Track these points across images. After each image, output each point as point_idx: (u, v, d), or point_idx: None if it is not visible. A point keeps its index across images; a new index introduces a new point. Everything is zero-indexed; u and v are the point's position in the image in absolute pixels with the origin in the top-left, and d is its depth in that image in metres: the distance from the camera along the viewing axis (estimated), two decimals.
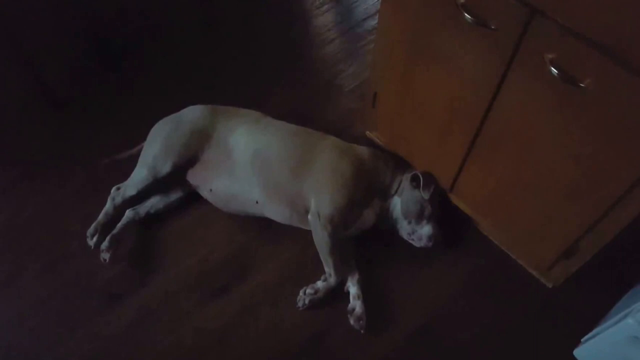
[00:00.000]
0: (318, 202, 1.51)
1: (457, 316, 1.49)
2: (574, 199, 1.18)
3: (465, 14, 1.12)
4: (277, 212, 1.57)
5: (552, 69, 1.01)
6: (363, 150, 1.62)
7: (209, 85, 2.07)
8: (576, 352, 1.38)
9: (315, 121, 1.80)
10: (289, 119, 1.69)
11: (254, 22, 2.37)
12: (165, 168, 1.58)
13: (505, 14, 1.07)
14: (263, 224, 1.63)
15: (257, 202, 1.57)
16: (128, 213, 1.62)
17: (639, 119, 0.96)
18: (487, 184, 1.42)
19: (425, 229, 1.55)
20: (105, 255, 1.51)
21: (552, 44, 1.01)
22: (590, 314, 1.44)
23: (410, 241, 1.57)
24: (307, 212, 1.53)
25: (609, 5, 0.90)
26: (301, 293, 1.49)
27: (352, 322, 1.44)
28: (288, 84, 2.10)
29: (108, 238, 1.54)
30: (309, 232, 1.52)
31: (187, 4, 2.33)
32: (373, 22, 2.40)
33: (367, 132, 1.83)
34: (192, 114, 1.67)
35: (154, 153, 1.61)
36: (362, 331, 1.43)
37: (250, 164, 1.57)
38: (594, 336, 1.33)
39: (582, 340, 1.40)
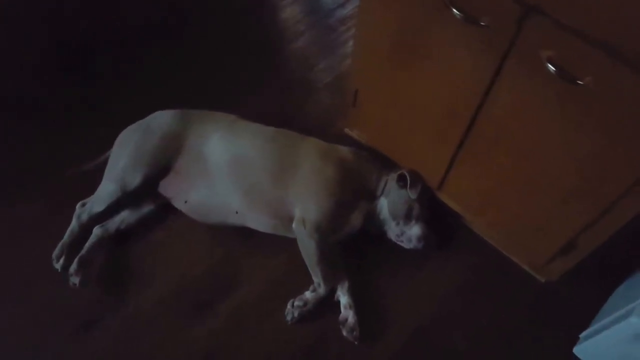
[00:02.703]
0: (303, 209, 1.43)
1: (453, 317, 1.45)
2: (574, 198, 1.15)
3: (454, 10, 1.06)
4: (259, 222, 1.48)
5: (550, 66, 0.96)
6: (346, 151, 1.55)
7: (178, 89, 1.93)
8: (576, 350, 1.37)
9: (292, 121, 1.72)
10: (265, 120, 1.60)
11: (219, 21, 2.24)
12: (135, 181, 1.46)
13: (497, 11, 1.01)
14: (245, 233, 1.53)
15: (237, 212, 1.47)
16: (96, 231, 1.49)
17: (637, 123, 0.93)
18: (480, 183, 1.38)
19: (414, 230, 1.49)
20: (75, 279, 1.38)
21: (548, 41, 0.97)
22: (587, 309, 1.43)
23: (400, 243, 1.52)
24: (291, 220, 1.45)
25: (607, 1, 0.85)
26: (289, 306, 1.41)
27: (345, 333, 1.38)
28: (261, 83, 1.99)
29: (76, 260, 1.41)
30: (295, 241, 1.44)
31: (152, 6, 2.17)
32: (344, 11, 2.32)
33: (347, 130, 1.76)
34: (161, 120, 1.55)
35: (122, 165, 1.48)
36: (356, 342, 1.37)
37: (228, 172, 1.47)
38: (593, 333, 1.31)
39: (580, 336, 1.38)
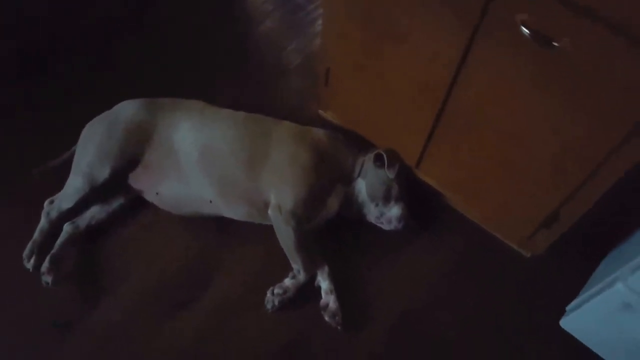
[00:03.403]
0: (278, 196, 1.38)
1: (438, 298, 1.42)
2: (553, 168, 1.12)
3: None
4: (234, 210, 1.44)
5: (524, 29, 0.92)
6: (320, 134, 1.50)
7: (146, 81, 1.84)
8: (563, 322, 1.34)
9: (264, 105, 1.66)
10: (237, 105, 1.54)
11: (184, 7, 2.14)
12: (103, 175, 1.41)
13: None
14: (221, 224, 1.49)
15: (210, 202, 1.43)
16: (66, 228, 1.44)
17: (618, 78, 0.88)
18: (458, 159, 1.34)
19: (394, 210, 1.45)
20: (47, 279, 1.33)
21: (522, 4, 0.92)
22: (573, 282, 1.40)
23: (380, 225, 1.48)
24: (266, 206, 1.40)
25: None
26: (269, 294, 1.37)
27: (327, 318, 1.34)
28: (231, 69, 1.92)
29: (47, 258, 1.36)
30: (272, 228, 1.40)
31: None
32: None
33: (321, 111, 1.71)
34: (127, 110, 1.49)
35: (88, 159, 1.43)
36: (339, 327, 1.33)
37: (199, 161, 1.42)
38: (579, 304, 1.28)
39: (567, 308, 1.35)
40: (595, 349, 1.28)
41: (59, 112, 1.74)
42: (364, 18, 1.23)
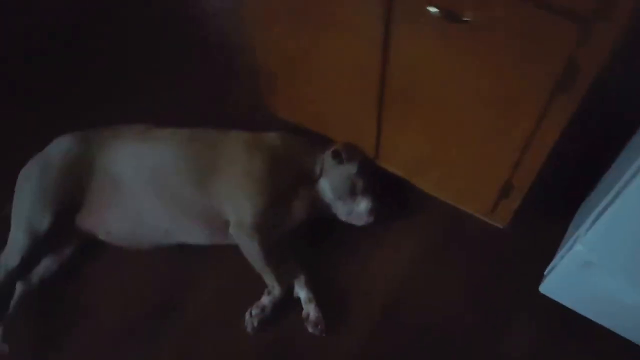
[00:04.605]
0: (237, 212, 1.31)
1: (420, 285, 1.39)
2: (491, 138, 1.14)
3: None
4: (193, 235, 1.36)
5: (431, 9, 0.93)
6: (273, 137, 1.42)
7: (80, 102, 1.72)
8: (542, 288, 1.33)
9: (216, 115, 1.57)
10: (186, 121, 1.44)
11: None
12: (44, 224, 1.30)
13: None
14: (185, 248, 1.40)
15: (166, 231, 1.34)
16: (18, 288, 1.33)
17: (530, 43, 0.90)
18: (411, 141, 1.33)
19: (362, 205, 1.40)
20: (3, 347, 1.24)
21: None
22: (550, 246, 1.38)
23: (352, 222, 1.43)
24: (227, 226, 1.32)
25: None
26: (247, 316, 1.31)
27: (310, 329, 1.30)
28: (174, 81, 1.79)
29: (0, 325, 1.26)
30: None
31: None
32: None
33: (274, 112, 1.62)
34: (60, 148, 1.37)
35: (26, 208, 1.31)
36: (323, 335, 1.29)
37: (146, 189, 1.33)
38: (553, 267, 1.28)
39: (544, 273, 1.35)
40: (577, 309, 1.29)
41: None
42: (288, 12, 1.21)
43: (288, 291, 1.35)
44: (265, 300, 1.33)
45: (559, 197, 1.46)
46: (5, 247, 1.33)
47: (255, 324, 1.30)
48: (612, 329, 1.23)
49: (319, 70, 1.30)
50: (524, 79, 0.97)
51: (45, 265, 1.37)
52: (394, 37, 1.06)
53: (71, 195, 1.33)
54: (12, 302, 1.31)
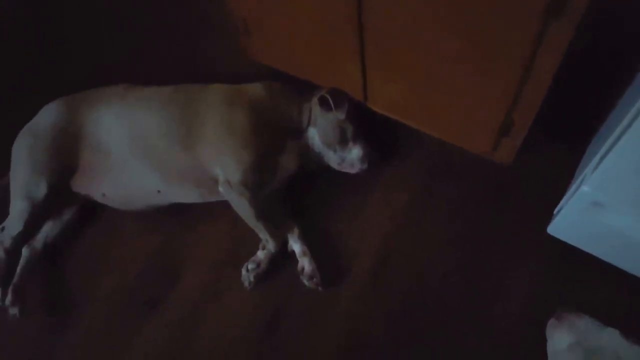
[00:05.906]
0: (224, 169, 1.28)
1: (418, 230, 1.34)
2: (485, 76, 1.04)
3: None
4: (184, 195, 1.35)
5: None
6: (257, 88, 1.36)
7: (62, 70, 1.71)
8: (550, 229, 1.24)
9: (198, 69, 1.52)
10: (168, 78, 1.40)
11: None
12: (41, 191, 1.32)
13: None
14: (178, 211, 1.40)
15: (158, 192, 1.34)
16: (24, 253, 1.38)
17: None
18: (400, 81, 1.23)
19: (354, 152, 1.34)
20: (14, 310, 1.29)
21: None
22: (557, 184, 1.28)
23: (345, 171, 1.37)
24: (215, 183, 1.30)
25: None
26: (244, 271, 1.31)
27: (305, 282, 1.28)
28: (153, 36, 1.75)
29: (10, 290, 1.31)
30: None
31: None
32: None
33: (258, 60, 1.54)
34: (47, 116, 1.38)
35: (22, 177, 1.34)
36: (319, 288, 1.27)
37: (133, 150, 1.32)
38: (561, 208, 1.19)
39: (554, 213, 1.26)
40: (585, 248, 1.20)
41: None
42: None
43: (283, 245, 1.33)
44: (260, 254, 1.31)
45: (570, 127, 1.34)
46: (9, 215, 1.37)
47: (252, 278, 1.29)
48: (621, 266, 1.15)
49: (298, 14, 1.21)
50: (511, 20, 0.90)
51: (47, 230, 1.41)
52: None
53: (63, 161, 1.34)
54: (18, 269, 1.36)
